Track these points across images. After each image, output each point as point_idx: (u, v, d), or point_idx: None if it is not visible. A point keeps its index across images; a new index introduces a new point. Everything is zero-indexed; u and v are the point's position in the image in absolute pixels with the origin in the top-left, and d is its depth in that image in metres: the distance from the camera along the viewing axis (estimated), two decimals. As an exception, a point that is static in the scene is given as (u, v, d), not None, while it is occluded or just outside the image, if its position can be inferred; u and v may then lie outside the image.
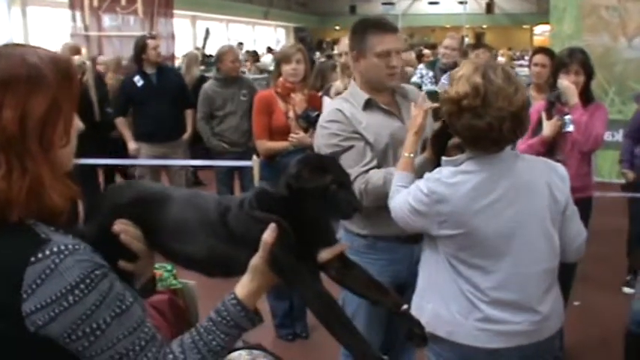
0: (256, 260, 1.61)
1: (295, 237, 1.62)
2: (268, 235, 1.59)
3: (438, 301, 2.72)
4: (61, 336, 1.38)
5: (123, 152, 7.27)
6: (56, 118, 1.46)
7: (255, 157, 5.97)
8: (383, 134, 3.23)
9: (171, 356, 1.49)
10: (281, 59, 5.16)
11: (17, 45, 1.54)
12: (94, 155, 6.71)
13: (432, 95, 6.34)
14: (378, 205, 3.15)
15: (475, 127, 2.51)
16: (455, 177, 2.58)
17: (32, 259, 1.36)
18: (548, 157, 4.21)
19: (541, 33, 38.73)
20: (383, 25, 3.28)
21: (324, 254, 1.65)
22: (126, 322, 1.43)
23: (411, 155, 3.00)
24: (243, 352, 3.71)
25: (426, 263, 2.81)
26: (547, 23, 9.79)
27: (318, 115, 4.72)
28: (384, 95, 3.35)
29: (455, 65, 6.57)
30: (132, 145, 7.11)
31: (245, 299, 1.59)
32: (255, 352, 3.99)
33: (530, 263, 2.64)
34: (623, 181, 6.29)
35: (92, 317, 1.39)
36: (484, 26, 48.55)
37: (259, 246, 1.60)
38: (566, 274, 4.52)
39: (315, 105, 5.19)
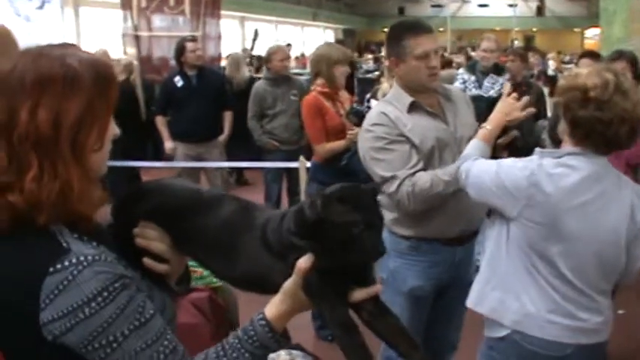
0: (289, 284, 1.56)
1: (329, 264, 1.54)
2: (304, 262, 1.53)
3: (505, 289, 2.69)
4: (77, 346, 1.37)
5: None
6: (91, 123, 1.44)
7: (302, 158, 5.99)
8: (428, 136, 3.20)
9: None
10: (337, 62, 5.11)
11: (60, 45, 1.52)
12: (140, 153, 6.79)
13: (478, 99, 6.31)
14: (425, 207, 3.16)
15: (597, 119, 2.49)
16: (556, 168, 2.56)
17: (51, 269, 1.35)
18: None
19: (592, 36, 38.30)
20: (418, 27, 3.25)
21: (359, 294, 1.57)
22: (144, 335, 1.41)
23: (492, 130, 3.01)
24: (282, 352, 3.74)
25: (493, 250, 2.78)
26: (597, 27, 9.66)
27: (368, 108, 4.74)
28: (428, 97, 3.31)
29: (495, 67, 6.52)
30: (168, 144, 7.19)
31: (274, 321, 1.56)
32: (294, 352, 4.01)
33: (600, 272, 2.64)
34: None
35: (109, 330, 1.37)
36: (534, 29, 48.14)
37: (294, 270, 1.54)
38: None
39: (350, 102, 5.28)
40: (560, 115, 2.65)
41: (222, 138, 7.34)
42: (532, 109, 3.17)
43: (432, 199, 3.11)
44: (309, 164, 5.57)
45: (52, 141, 1.39)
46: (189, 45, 7.11)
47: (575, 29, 45.93)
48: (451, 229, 3.30)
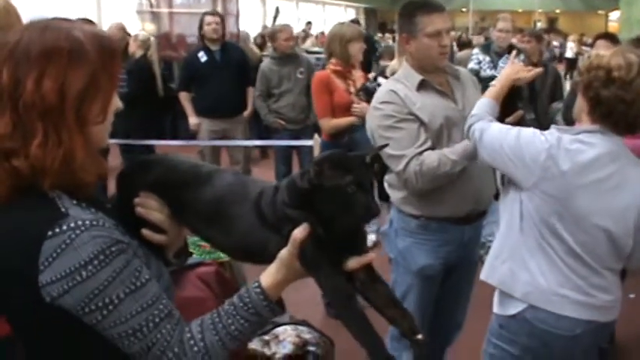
0: (284, 253, 1.61)
1: (323, 234, 1.60)
2: (299, 232, 1.58)
3: (516, 261, 2.72)
4: (74, 308, 1.42)
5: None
6: (94, 95, 1.48)
7: (316, 136, 6.03)
8: (437, 115, 3.22)
9: (188, 335, 1.52)
10: (351, 39, 5.22)
11: (65, 19, 1.57)
12: (157, 130, 6.78)
13: (492, 80, 6.28)
14: (432, 186, 3.18)
15: (620, 99, 2.51)
16: (573, 144, 2.58)
17: (49, 233, 1.40)
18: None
19: (616, 19, 37.95)
20: (431, 6, 3.27)
21: (352, 263, 1.63)
22: (140, 299, 1.46)
23: (501, 88, 3.06)
24: (288, 327, 3.78)
25: (506, 223, 2.80)
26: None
27: (379, 85, 4.81)
28: (437, 76, 3.34)
29: (511, 48, 6.49)
30: (193, 120, 7.22)
31: (269, 289, 1.60)
32: (301, 327, 4.06)
33: (611, 250, 2.66)
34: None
35: (105, 292, 1.42)
36: (557, 11, 47.72)
37: (289, 240, 1.59)
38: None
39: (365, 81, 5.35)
40: (579, 93, 2.67)
41: (246, 114, 7.38)
42: (540, 69, 3.23)
43: (440, 178, 3.13)
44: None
45: (58, 110, 1.44)
46: (207, 18, 7.16)
47: (600, 11, 45.47)
48: (460, 208, 3.32)
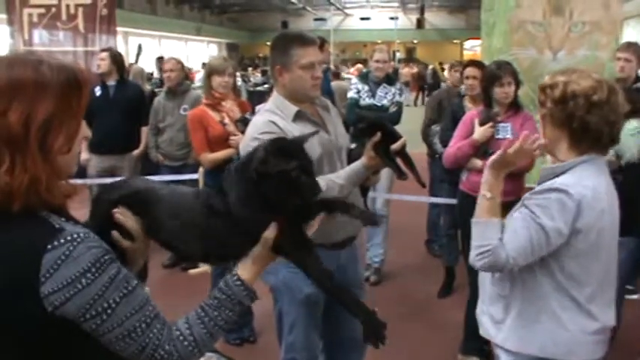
0: (258, 250, 1.86)
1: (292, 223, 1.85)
2: (269, 233, 1.84)
3: (548, 321, 2.63)
4: (75, 315, 1.53)
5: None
6: (58, 127, 1.58)
7: (201, 168, 6.11)
8: (315, 145, 3.20)
9: (177, 332, 1.67)
10: (213, 72, 5.30)
11: (33, 53, 1.67)
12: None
13: (371, 108, 6.54)
14: None
15: (605, 120, 2.53)
16: (586, 181, 2.53)
17: (49, 246, 1.51)
18: (481, 159, 4.49)
19: (470, 48, 39.67)
20: (305, 39, 3.32)
21: (313, 227, 1.94)
22: (132, 302, 1.59)
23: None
24: (199, 355, 3.86)
25: (521, 287, 2.67)
26: (476, 38, 10.10)
27: None
28: (309, 107, 3.41)
29: (387, 77, 6.77)
30: (83, 155, 7.07)
31: (247, 280, 1.83)
32: (209, 353, 4.14)
33: (612, 278, 2.71)
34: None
35: (103, 297, 1.54)
36: (415, 41, 49.36)
37: (259, 238, 1.84)
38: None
39: (246, 110, 5.40)
40: (551, 127, 2.63)
41: (136, 152, 7.31)
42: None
43: None
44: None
45: (22, 140, 1.53)
46: (100, 54, 7.25)
47: (455, 41, 47.34)
48: (338, 234, 3.38)
